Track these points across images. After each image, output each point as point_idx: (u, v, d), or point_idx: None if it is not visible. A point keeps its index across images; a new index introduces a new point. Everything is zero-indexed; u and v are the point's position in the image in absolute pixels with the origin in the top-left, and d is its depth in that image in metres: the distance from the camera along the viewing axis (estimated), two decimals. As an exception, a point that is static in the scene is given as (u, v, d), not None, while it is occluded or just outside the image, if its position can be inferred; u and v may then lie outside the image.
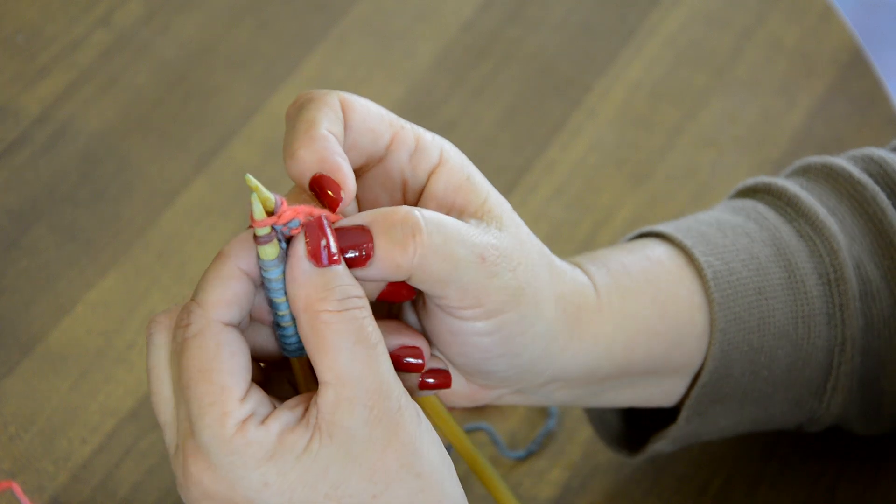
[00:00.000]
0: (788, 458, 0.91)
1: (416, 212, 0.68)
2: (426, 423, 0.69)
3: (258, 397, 0.67)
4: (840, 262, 0.80)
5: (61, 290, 0.98)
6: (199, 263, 0.99)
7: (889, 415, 0.84)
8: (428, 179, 0.71)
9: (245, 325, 0.69)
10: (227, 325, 0.67)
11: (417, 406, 0.69)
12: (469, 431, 0.92)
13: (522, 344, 0.73)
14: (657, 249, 0.80)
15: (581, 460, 0.91)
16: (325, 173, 0.68)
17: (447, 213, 0.70)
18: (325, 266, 0.67)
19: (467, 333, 0.71)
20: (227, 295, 0.67)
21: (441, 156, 0.71)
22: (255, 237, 0.67)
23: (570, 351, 0.76)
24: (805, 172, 0.85)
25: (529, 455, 0.92)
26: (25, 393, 0.93)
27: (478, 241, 0.70)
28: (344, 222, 0.68)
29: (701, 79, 1.09)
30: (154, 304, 0.97)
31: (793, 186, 0.82)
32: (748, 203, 0.83)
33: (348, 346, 0.66)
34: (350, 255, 0.68)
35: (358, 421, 0.66)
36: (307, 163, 0.69)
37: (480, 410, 0.93)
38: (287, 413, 0.67)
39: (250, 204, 0.67)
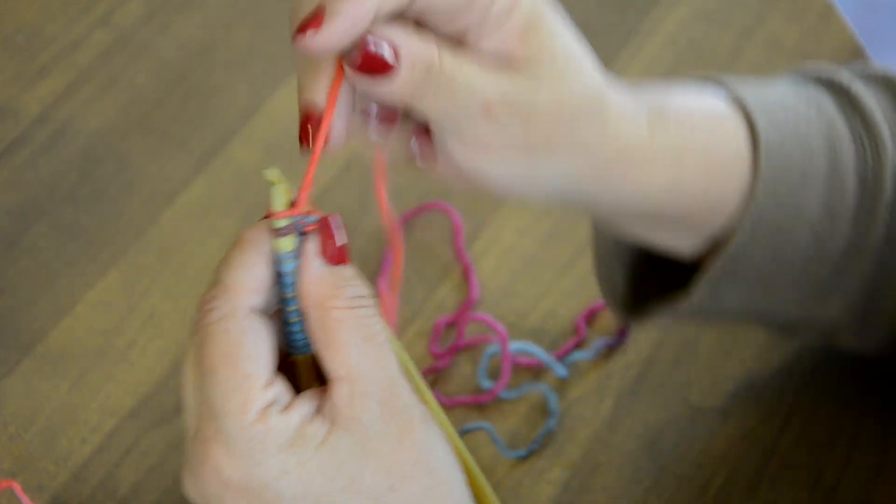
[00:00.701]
0: (788, 458, 0.91)
1: (437, 53, 0.68)
2: (434, 424, 0.69)
3: (281, 386, 0.67)
4: (882, 165, 0.80)
5: (61, 290, 0.98)
6: (199, 263, 0.99)
7: (878, 335, 0.84)
8: (484, 34, 0.70)
9: (270, 312, 0.69)
10: (252, 311, 0.67)
11: (425, 407, 0.69)
12: (469, 431, 0.92)
13: (535, 185, 0.72)
14: (719, 104, 0.79)
15: (581, 460, 0.91)
16: (323, 9, 0.66)
17: (494, 63, 0.70)
18: (335, 265, 0.68)
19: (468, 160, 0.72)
20: (252, 280, 0.67)
21: (512, 8, 0.70)
22: (273, 229, 0.68)
23: (601, 193, 0.75)
24: (864, 77, 0.84)
25: (529, 454, 0.92)
26: (25, 392, 0.93)
27: (489, 89, 0.69)
28: (371, 42, 0.67)
29: (701, 79, 1.09)
30: (154, 304, 0.97)
31: (856, 84, 0.82)
32: (812, 90, 0.82)
33: (358, 343, 0.67)
34: (376, 59, 0.67)
35: (373, 415, 0.67)
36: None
37: (481, 410, 0.94)
38: (306, 404, 0.67)
39: (270, 195, 0.67)
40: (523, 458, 0.92)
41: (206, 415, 0.66)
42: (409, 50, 0.68)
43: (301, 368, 0.70)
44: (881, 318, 0.83)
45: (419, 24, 0.70)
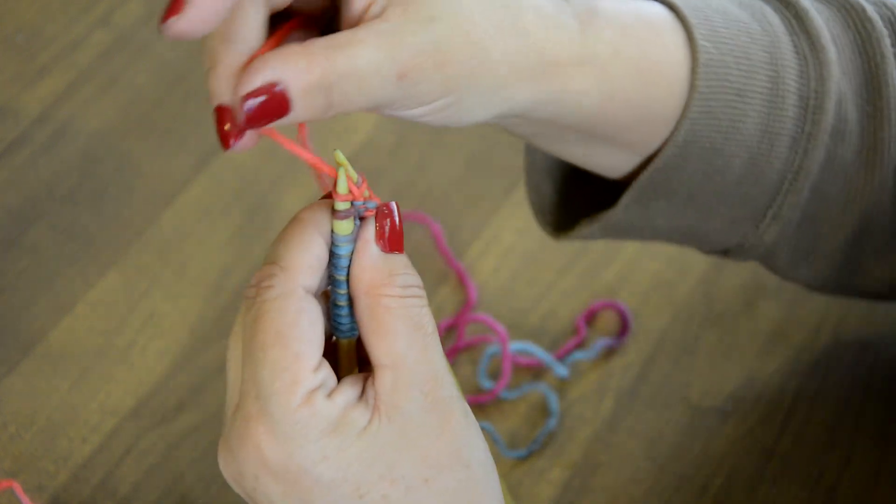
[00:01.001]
0: (788, 458, 0.91)
1: (329, 67, 0.65)
2: (474, 420, 0.69)
3: (327, 370, 0.66)
4: (825, 90, 0.77)
5: (61, 290, 0.98)
6: (199, 263, 0.99)
7: (818, 267, 0.82)
8: None
9: (318, 293, 0.68)
10: (307, 292, 0.66)
11: (466, 403, 0.69)
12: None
13: (461, 115, 0.70)
14: (658, 13, 0.76)
15: (581, 460, 0.91)
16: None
17: (369, 4, 0.66)
18: (391, 252, 0.68)
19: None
20: (310, 260, 0.67)
21: None
22: (335, 211, 0.67)
23: (534, 100, 0.71)
24: None
25: (530, 454, 0.92)
26: (26, 392, 0.93)
27: (395, 58, 0.66)
28: (248, 84, 0.65)
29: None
30: (154, 304, 0.97)
31: (807, 2, 0.79)
32: (757, 3, 0.79)
33: (407, 332, 0.67)
34: (266, 106, 0.65)
35: (415, 405, 0.66)
36: None
37: (481, 410, 0.94)
38: (350, 389, 0.67)
39: (336, 177, 0.67)
40: (523, 458, 0.92)
41: (251, 392, 0.66)
42: (299, 82, 0.65)
43: (342, 351, 0.70)
44: (819, 245, 0.81)
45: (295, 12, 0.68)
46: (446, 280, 0.99)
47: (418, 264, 1.00)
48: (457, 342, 0.96)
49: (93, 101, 1.06)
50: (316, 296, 0.68)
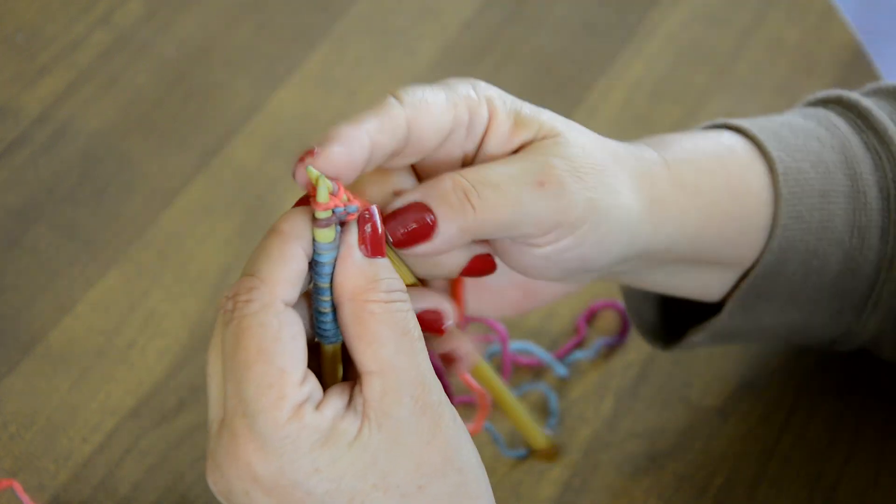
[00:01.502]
0: (788, 458, 0.91)
1: (459, 176, 0.70)
2: (462, 424, 0.69)
3: (313, 382, 0.67)
4: None
5: (62, 289, 0.98)
6: (199, 262, 0.99)
7: None
8: (482, 140, 0.72)
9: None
10: (287, 304, 0.67)
11: (454, 408, 0.69)
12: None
13: (607, 247, 0.74)
14: (729, 138, 0.80)
15: (581, 459, 0.91)
16: (324, 139, 0.68)
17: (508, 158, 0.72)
18: (374, 256, 0.68)
19: (550, 257, 0.73)
20: (290, 273, 0.67)
21: (489, 111, 0.72)
22: (315, 220, 0.67)
23: (648, 232, 0.76)
24: (876, 93, 0.85)
25: (530, 454, 0.92)
26: (26, 392, 0.93)
27: (530, 169, 0.70)
28: (398, 203, 0.70)
29: (701, 78, 1.09)
30: (154, 304, 0.97)
31: (865, 100, 0.83)
32: (820, 111, 0.83)
33: (394, 338, 0.67)
34: (414, 227, 0.69)
35: (405, 411, 0.66)
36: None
37: (480, 410, 0.94)
38: (338, 399, 0.67)
39: (314, 187, 0.67)
40: (524, 458, 0.91)
41: (237, 409, 0.66)
42: (434, 192, 0.70)
43: (326, 357, 0.70)
44: None
45: (421, 172, 0.72)
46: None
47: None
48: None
49: (93, 101, 1.06)
50: (295, 304, 0.68)
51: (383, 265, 0.68)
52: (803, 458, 0.90)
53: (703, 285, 0.82)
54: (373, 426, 0.66)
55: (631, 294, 0.87)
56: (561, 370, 0.95)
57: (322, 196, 0.67)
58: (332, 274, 0.68)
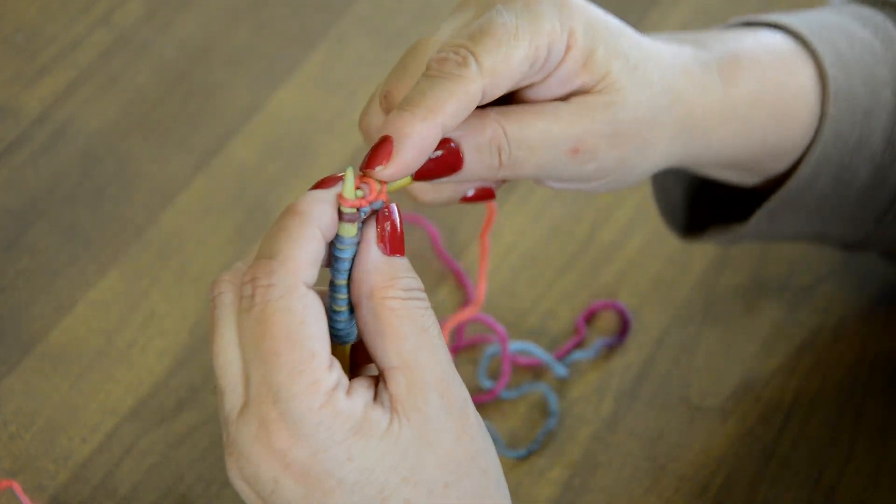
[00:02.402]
0: (788, 457, 0.91)
1: (500, 129, 0.70)
2: (484, 425, 0.69)
3: (339, 367, 0.66)
4: None
5: (61, 289, 0.98)
6: (199, 263, 0.99)
7: None
8: (546, 76, 0.72)
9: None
10: (308, 286, 0.66)
11: (478, 413, 0.69)
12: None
13: (632, 182, 0.76)
14: (786, 46, 0.80)
15: (581, 459, 0.91)
16: (391, 141, 0.68)
17: (565, 98, 0.72)
18: (392, 254, 0.67)
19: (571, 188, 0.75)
20: (309, 255, 0.65)
21: (567, 46, 0.72)
22: (341, 214, 0.67)
23: (679, 161, 0.77)
24: None
25: (530, 454, 0.92)
26: (26, 392, 0.93)
27: (570, 134, 0.71)
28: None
29: (701, 78, 1.09)
30: (154, 304, 0.97)
31: None
32: (878, 17, 0.83)
33: (414, 333, 0.66)
34: (440, 162, 0.70)
35: (433, 407, 0.66)
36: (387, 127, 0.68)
37: (481, 410, 0.93)
38: (364, 390, 0.66)
39: (342, 181, 0.67)
40: (523, 458, 0.91)
41: (265, 397, 0.64)
42: (470, 140, 0.70)
43: (342, 357, 0.69)
44: None
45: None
46: (446, 279, 0.99)
47: (418, 265, 1.00)
48: (457, 342, 0.96)
49: (93, 101, 1.06)
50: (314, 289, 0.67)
51: (401, 263, 0.67)
52: (803, 458, 0.90)
53: (733, 180, 0.84)
54: (402, 420, 0.65)
55: (661, 182, 0.88)
56: (561, 370, 0.95)
57: (348, 192, 0.67)
58: (350, 271, 0.67)
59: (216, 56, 1.09)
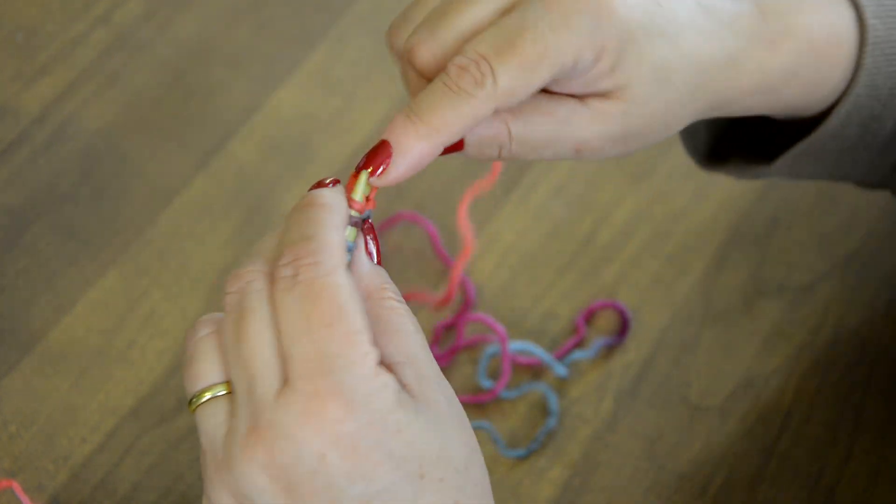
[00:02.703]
0: (788, 457, 0.91)
1: (504, 129, 0.70)
2: None
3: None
4: None
5: (61, 289, 0.98)
6: (199, 262, 0.99)
7: None
8: (572, 80, 0.72)
9: None
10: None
11: None
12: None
13: (643, 144, 0.75)
14: None
15: (581, 459, 0.91)
16: (390, 149, 0.68)
17: (581, 98, 0.71)
18: (377, 263, 0.69)
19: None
20: (342, 240, 0.67)
21: (596, 59, 0.71)
22: (350, 217, 0.69)
23: (693, 123, 0.78)
24: None
25: (530, 454, 0.92)
26: (25, 392, 0.93)
27: (577, 137, 0.71)
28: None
29: (701, 78, 1.09)
30: (154, 304, 0.97)
31: None
32: None
33: (413, 331, 0.68)
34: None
35: (440, 396, 0.67)
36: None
37: (481, 409, 0.93)
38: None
39: (357, 182, 0.68)
40: (523, 458, 0.91)
41: (314, 370, 0.64)
42: (475, 134, 0.70)
43: None
44: None
45: None
46: (446, 279, 0.99)
47: (418, 264, 1.00)
48: (456, 342, 0.96)
49: (93, 100, 1.06)
50: None
51: (385, 273, 0.69)
52: (803, 458, 0.90)
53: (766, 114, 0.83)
54: (421, 404, 0.66)
55: None
56: (561, 370, 0.95)
57: (358, 195, 0.68)
58: None
59: (216, 56, 1.09)
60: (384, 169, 0.68)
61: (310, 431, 0.64)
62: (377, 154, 0.68)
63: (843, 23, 0.78)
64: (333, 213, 0.67)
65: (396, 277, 0.98)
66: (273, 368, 0.65)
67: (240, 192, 1.03)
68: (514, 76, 0.68)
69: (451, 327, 0.97)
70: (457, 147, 0.71)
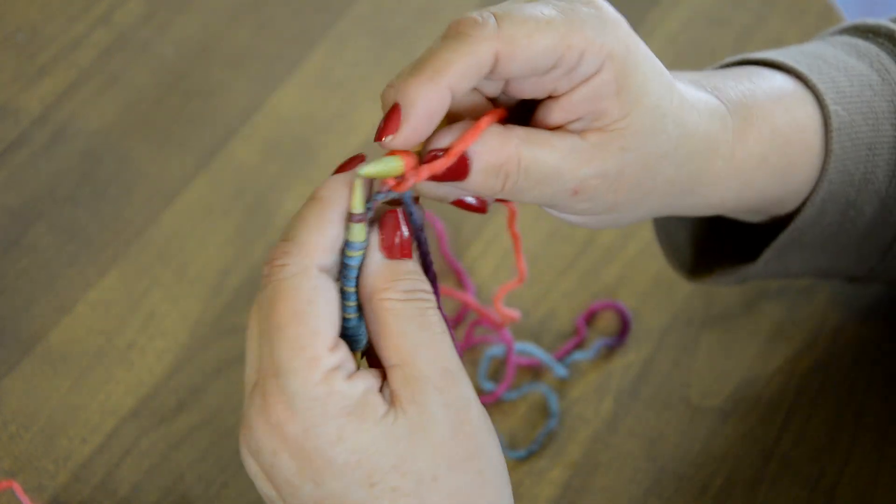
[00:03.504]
0: (788, 458, 0.91)
1: (515, 158, 0.69)
2: (490, 423, 0.69)
3: (345, 351, 0.67)
4: None
5: (61, 290, 0.98)
6: (199, 263, 0.99)
7: None
8: (575, 87, 0.70)
9: (334, 276, 0.69)
10: (322, 270, 0.67)
11: (487, 414, 0.69)
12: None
13: (612, 224, 0.75)
14: (785, 84, 0.79)
15: (582, 460, 0.91)
16: (400, 108, 0.67)
17: (574, 121, 0.70)
18: (397, 258, 0.68)
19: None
20: (326, 240, 0.67)
21: (602, 66, 0.69)
22: (350, 214, 0.68)
23: (681, 208, 0.76)
24: None
25: (530, 455, 0.92)
26: (26, 392, 0.93)
27: (575, 175, 0.70)
28: (450, 135, 0.68)
29: (701, 78, 1.09)
30: (154, 304, 0.97)
31: None
32: (872, 49, 0.82)
33: (413, 331, 0.67)
34: (450, 170, 0.69)
35: (429, 399, 0.67)
36: (401, 101, 0.68)
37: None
38: (370, 377, 0.67)
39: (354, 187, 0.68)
40: (523, 459, 0.91)
41: (269, 370, 0.66)
42: (484, 159, 0.69)
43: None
44: None
45: (508, 90, 0.71)
46: (446, 279, 0.99)
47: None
48: (464, 341, 0.96)
49: (93, 100, 1.06)
50: (331, 276, 0.68)
51: (405, 266, 0.68)
52: (803, 458, 0.90)
53: (741, 219, 0.83)
54: (398, 411, 0.66)
55: (664, 224, 0.88)
56: (561, 371, 0.95)
57: (357, 206, 0.67)
58: (358, 278, 0.68)
59: (216, 56, 1.09)
60: (393, 129, 0.67)
61: (262, 428, 0.66)
62: (388, 118, 0.67)
63: (805, 111, 0.79)
64: (323, 209, 0.67)
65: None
66: (254, 363, 0.68)
67: (240, 192, 1.03)
68: (518, 26, 0.67)
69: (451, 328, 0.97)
70: (460, 175, 0.69)
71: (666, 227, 0.87)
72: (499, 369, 0.95)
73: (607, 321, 0.97)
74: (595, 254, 1.00)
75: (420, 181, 0.68)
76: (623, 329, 0.96)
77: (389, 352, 0.67)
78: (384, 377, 0.68)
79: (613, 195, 0.72)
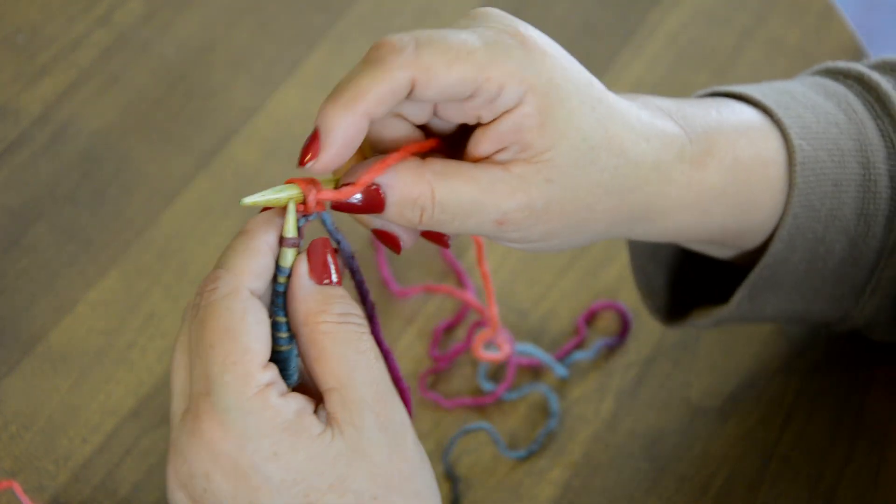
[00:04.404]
0: (788, 458, 0.91)
1: (428, 193, 0.69)
2: (423, 451, 0.70)
3: (276, 371, 0.67)
4: None
5: (62, 290, 0.98)
6: (199, 263, 0.99)
7: None
8: (498, 116, 0.70)
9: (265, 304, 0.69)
10: (253, 292, 0.68)
11: (415, 433, 0.69)
12: (470, 431, 0.92)
13: (561, 247, 0.74)
14: (752, 117, 0.79)
15: (582, 460, 0.91)
16: (319, 133, 0.68)
17: (499, 150, 0.70)
18: (327, 284, 0.69)
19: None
20: (255, 265, 0.68)
21: (522, 98, 0.69)
22: (283, 239, 0.69)
23: (631, 234, 0.76)
24: (882, 68, 0.85)
25: (530, 455, 0.92)
26: (26, 392, 0.93)
27: (498, 207, 0.70)
28: (361, 168, 0.69)
29: (701, 78, 1.09)
30: (154, 304, 0.97)
31: (885, 84, 0.82)
32: (840, 89, 0.83)
33: (350, 354, 0.68)
34: (366, 204, 0.69)
35: (367, 422, 0.67)
36: (321, 129, 0.68)
37: (481, 410, 0.93)
38: (303, 400, 0.67)
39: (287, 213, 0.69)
40: (524, 459, 0.91)
41: (201, 390, 0.66)
42: (397, 192, 0.69)
43: None
44: None
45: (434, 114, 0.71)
46: (446, 279, 0.99)
47: (421, 264, 1.00)
48: (465, 342, 0.96)
49: (93, 100, 1.06)
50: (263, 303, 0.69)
51: (335, 291, 0.69)
52: (803, 458, 0.90)
53: (709, 254, 0.83)
54: (335, 432, 0.67)
55: (636, 253, 0.87)
56: (561, 371, 0.95)
57: (289, 228, 0.68)
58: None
59: (216, 56, 1.09)
60: (313, 155, 0.68)
61: (194, 450, 0.66)
62: (308, 143, 0.68)
63: (769, 144, 0.79)
64: (250, 239, 0.69)
65: (399, 277, 0.98)
66: (182, 392, 0.68)
67: (240, 193, 1.03)
68: (437, 56, 0.67)
69: (450, 328, 0.97)
70: (376, 207, 0.69)
71: (644, 269, 0.87)
72: (499, 369, 0.95)
73: (607, 321, 0.97)
74: (595, 254, 1.00)
75: (324, 210, 0.69)
76: (623, 329, 0.96)
77: (326, 375, 0.67)
78: (317, 403, 0.68)
79: (545, 225, 0.71)
